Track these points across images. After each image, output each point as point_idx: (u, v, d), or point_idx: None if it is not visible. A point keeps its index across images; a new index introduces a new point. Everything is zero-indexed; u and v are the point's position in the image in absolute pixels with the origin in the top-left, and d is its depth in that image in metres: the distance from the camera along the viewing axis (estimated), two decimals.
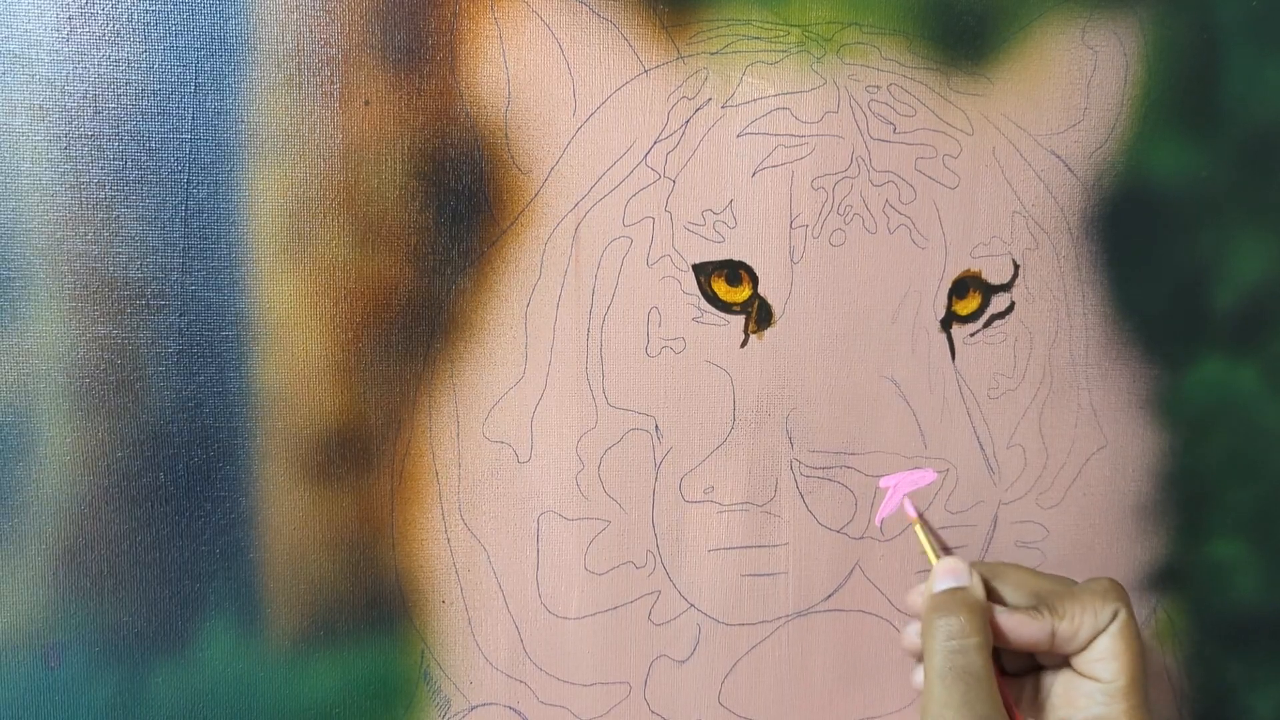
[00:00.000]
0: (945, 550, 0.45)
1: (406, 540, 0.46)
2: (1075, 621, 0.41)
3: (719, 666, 0.48)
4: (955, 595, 0.42)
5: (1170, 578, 0.50)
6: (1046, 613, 0.42)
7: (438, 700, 0.46)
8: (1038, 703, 0.44)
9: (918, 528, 0.46)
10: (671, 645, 0.48)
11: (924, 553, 0.46)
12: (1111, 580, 0.43)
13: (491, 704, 0.47)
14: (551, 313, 0.46)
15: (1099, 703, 0.41)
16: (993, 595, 0.43)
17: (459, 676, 0.47)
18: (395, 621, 0.46)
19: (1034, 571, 0.44)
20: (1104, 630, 0.41)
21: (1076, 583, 0.44)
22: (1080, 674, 0.42)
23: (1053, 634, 0.41)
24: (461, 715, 0.47)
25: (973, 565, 0.44)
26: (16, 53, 0.44)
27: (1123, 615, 0.41)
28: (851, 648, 0.48)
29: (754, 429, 0.47)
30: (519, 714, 0.47)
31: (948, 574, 0.43)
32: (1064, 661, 0.43)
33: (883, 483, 0.48)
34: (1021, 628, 0.41)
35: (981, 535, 0.49)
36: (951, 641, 0.40)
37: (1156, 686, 0.50)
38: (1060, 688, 0.42)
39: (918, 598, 0.44)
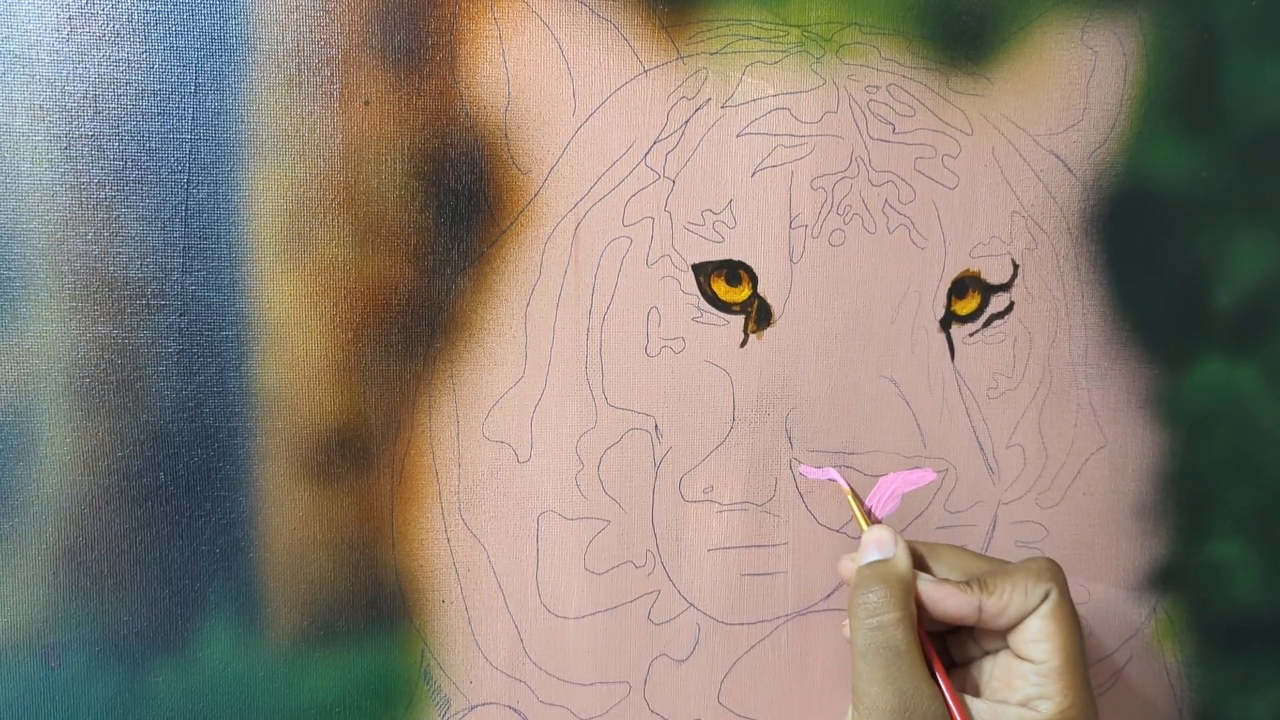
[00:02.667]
0: (874, 522, 0.44)
1: (406, 540, 0.46)
2: (1004, 598, 0.40)
3: (718, 666, 0.48)
4: (877, 569, 0.41)
5: (1170, 578, 0.50)
6: (976, 587, 0.41)
7: (438, 700, 0.46)
8: (980, 686, 0.43)
9: (849, 497, 0.45)
10: (671, 644, 0.48)
11: (856, 522, 0.45)
12: (1047, 559, 0.42)
13: (491, 703, 0.47)
14: (551, 313, 0.46)
15: (1033, 684, 0.40)
16: (927, 573, 0.43)
17: (459, 676, 0.47)
18: (395, 621, 0.46)
19: (974, 553, 0.44)
20: (1035, 610, 0.40)
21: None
22: (1017, 656, 0.41)
23: (979, 609, 0.41)
24: (461, 715, 0.47)
25: (909, 542, 0.43)
26: (17, 53, 0.44)
27: (1054, 595, 0.40)
28: (850, 647, 0.48)
29: (753, 429, 0.47)
30: (519, 713, 0.47)
31: (872, 545, 0.42)
32: (1004, 644, 0.42)
33: (880, 482, 0.48)
34: (947, 599, 0.41)
35: (981, 535, 0.49)
36: (871, 619, 0.40)
37: (1156, 686, 0.50)
38: (999, 669, 0.42)
39: (848, 563, 0.43)
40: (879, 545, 0.42)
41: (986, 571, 0.42)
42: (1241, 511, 0.50)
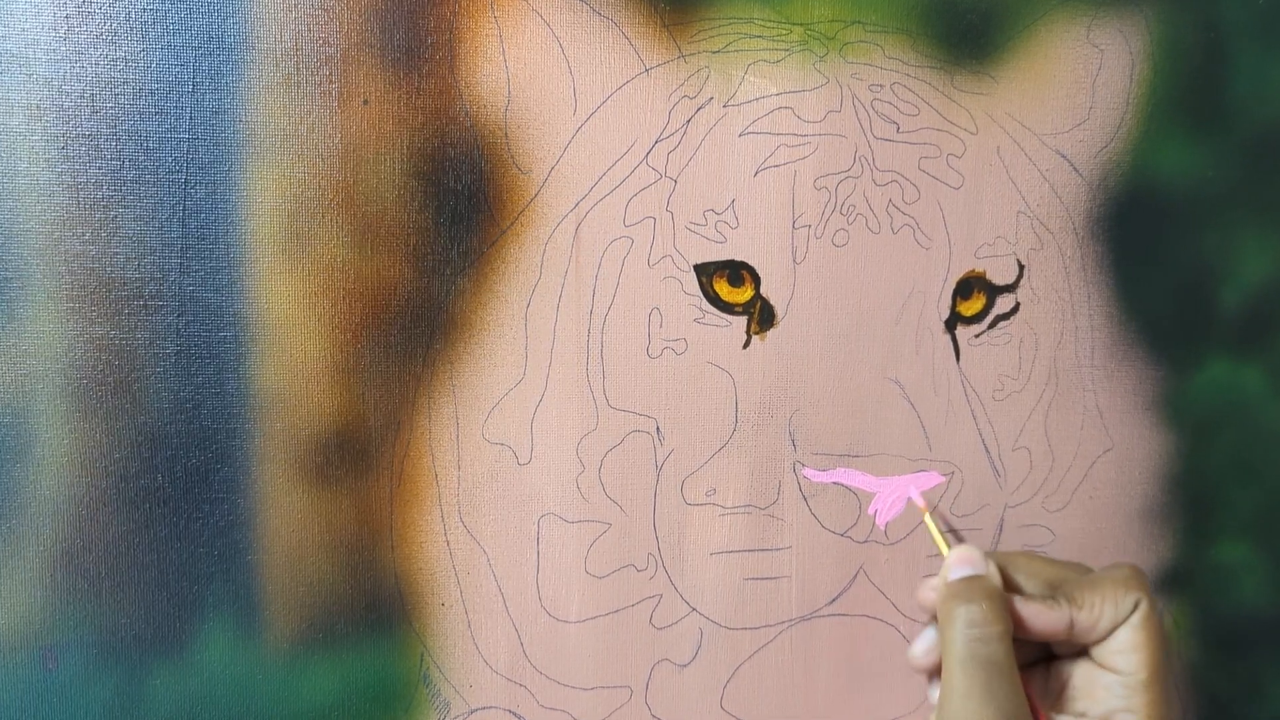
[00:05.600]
0: (958, 541, 0.44)
1: (406, 542, 0.46)
2: (1095, 611, 0.40)
3: (721, 671, 0.48)
4: (974, 583, 0.41)
5: (1176, 580, 0.50)
6: (1065, 602, 0.40)
7: (437, 703, 0.46)
8: (1053, 693, 0.42)
9: (928, 518, 0.45)
10: (673, 649, 0.47)
11: (936, 544, 0.44)
12: (1133, 567, 0.41)
13: (491, 707, 0.47)
14: (552, 313, 0.46)
15: (1119, 695, 0.40)
16: (1008, 585, 0.42)
17: (458, 680, 0.46)
18: (394, 624, 0.46)
19: (1049, 559, 0.43)
20: (1125, 621, 0.40)
21: (1091, 570, 0.42)
22: (1100, 665, 0.40)
23: (1071, 624, 0.40)
24: (461, 718, 0.47)
25: (987, 554, 0.42)
26: (14, 52, 0.44)
27: (1144, 606, 0.40)
28: (855, 653, 0.48)
29: (756, 431, 0.47)
30: (519, 718, 0.47)
31: (963, 562, 0.41)
32: (1082, 652, 0.42)
33: (886, 484, 0.47)
34: (1039, 617, 0.40)
35: (987, 539, 0.49)
36: (973, 629, 0.39)
37: None
38: (1079, 679, 0.41)
39: (930, 593, 0.42)
40: (970, 563, 0.41)
41: (1069, 581, 0.41)
42: (1248, 514, 0.50)
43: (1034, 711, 0.40)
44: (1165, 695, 0.39)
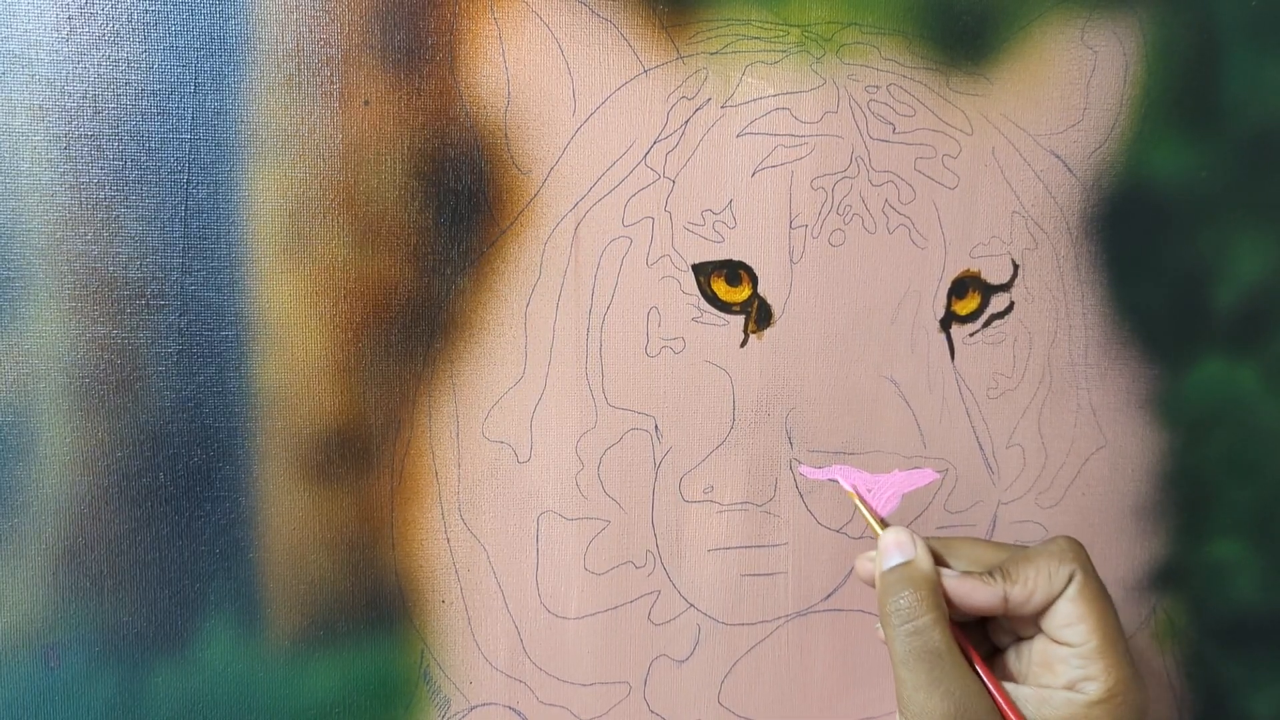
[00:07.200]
0: (884, 523, 0.44)
1: (406, 540, 0.46)
2: (1029, 585, 0.40)
3: (719, 666, 0.48)
4: (902, 573, 0.41)
5: (1170, 578, 0.50)
6: (998, 576, 0.40)
7: (437, 700, 0.46)
8: (1021, 672, 0.42)
9: (856, 500, 0.45)
10: (671, 645, 0.48)
11: (868, 525, 0.44)
12: (1068, 540, 0.41)
13: (491, 704, 0.47)
14: (551, 313, 0.46)
15: (1075, 666, 0.40)
16: (944, 565, 0.42)
17: (459, 676, 0.47)
18: (395, 621, 0.46)
19: (990, 542, 0.43)
20: (1061, 594, 0.40)
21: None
22: (1053, 640, 0.40)
23: (1005, 598, 0.40)
24: (461, 715, 0.47)
25: (925, 539, 0.42)
26: (16, 53, 0.44)
27: (1079, 577, 0.40)
28: (851, 647, 0.48)
29: (753, 429, 0.47)
30: (519, 714, 0.47)
31: (893, 548, 0.41)
32: (1038, 629, 0.41)
33: (881, 481, 0.47)
34: (972, 593, 0.40)
35: (981, 535, 0.49)
36: (906, 624, 0.39)
37: (1155, 686, 0.50)
38: (1038, 655, 0.41)
39: (866, 563, 0.42)
40: (899, 548, 0.41)
41: (1006, 559, 0.41)
42: (1241, 511, 0.50)
43: (994, 688, 0.40)
44: (1120, 658, 0.39)
